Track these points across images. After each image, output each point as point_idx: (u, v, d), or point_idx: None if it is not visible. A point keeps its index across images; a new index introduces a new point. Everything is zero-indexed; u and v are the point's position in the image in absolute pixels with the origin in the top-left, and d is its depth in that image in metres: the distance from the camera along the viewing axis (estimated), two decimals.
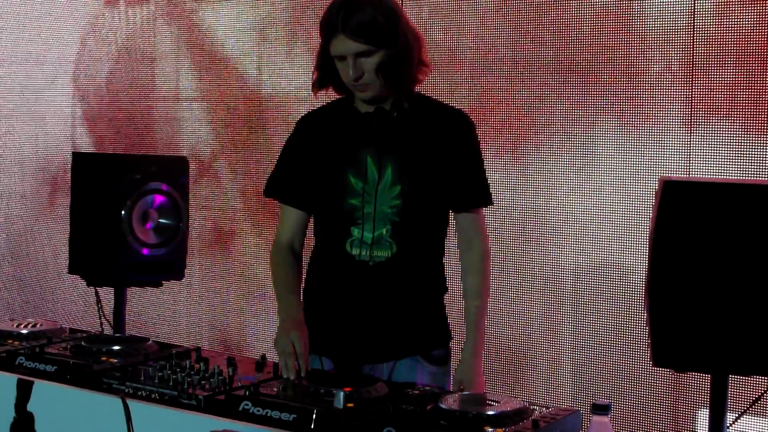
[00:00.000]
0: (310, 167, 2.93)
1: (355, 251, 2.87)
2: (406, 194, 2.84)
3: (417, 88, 2.93)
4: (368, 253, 2.86)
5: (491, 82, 4.47)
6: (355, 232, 2.87)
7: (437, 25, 4.58)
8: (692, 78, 4.01)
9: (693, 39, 3.99)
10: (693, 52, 4.00)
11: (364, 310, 2.89)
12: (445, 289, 3.02)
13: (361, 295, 2.89)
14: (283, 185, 2.99)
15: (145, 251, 3.86)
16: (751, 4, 3.86)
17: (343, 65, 2.77)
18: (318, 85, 2.90)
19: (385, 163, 2.85)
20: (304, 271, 3.03)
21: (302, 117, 3.02)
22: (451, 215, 2.98)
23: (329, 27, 2.75)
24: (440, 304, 3.01)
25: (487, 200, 2.97)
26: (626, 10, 4.17)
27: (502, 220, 4.41)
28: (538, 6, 4.35)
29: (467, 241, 2.95)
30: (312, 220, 3.02)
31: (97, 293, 4.06)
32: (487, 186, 2.96)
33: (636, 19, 4.15)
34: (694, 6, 3.98)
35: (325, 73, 2.87)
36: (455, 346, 2.99)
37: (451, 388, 2.85)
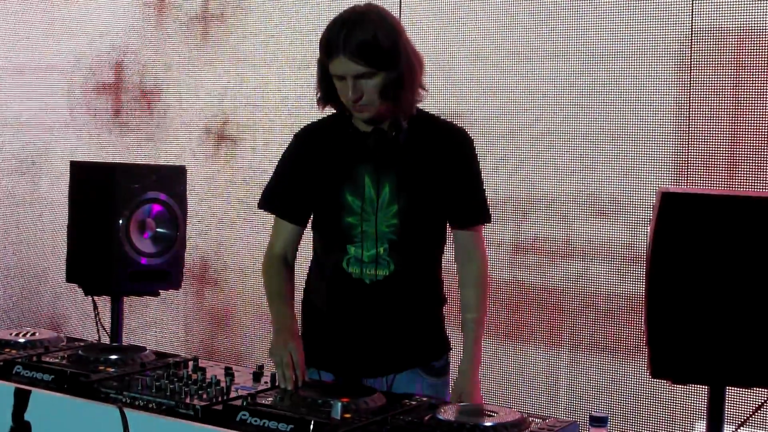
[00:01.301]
0: (307, 182, 2.92)
1: (351, 269, 2.87)
2: (403, 214, 2.83)
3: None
4: (365, 272, 2.86)
5: (487, 87, 4.47)
6: (352, 250, 2.86)
7: (435, 28, 4.59)
8: (691, 80, 4.01)
9: (691, 41, 4.00)
10: (691, 55, 4.00)
11: (362, 326, 2.89)
12: (444, 301, 3.02)
13: (358, 312, 2.89)
14: (278, 198, 2.98)
15: (142, 260, 3.85)
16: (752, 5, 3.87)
17: (343, 85, 2.74)
18: (322, 103, 2.88)
19: (383, 182, 2.84)
20: (301, 280, 3.03)
21: (300, 130, 3.01)
22: (449, 231, 2.97)
23: (330, 46, 2.71)
24: (439, 317, 3.00)
25: (486, 218, 2.95)
26: (626, 14, 4.17)
27: (500, 229, 4.41)
28: (537, 10, 4.35)
29: (466, 258, 2.94)
30: (309, 230, 3.02)
31: (94, 302, 4.05)
32: (486, 203, 2.95)
33: (636, 23, 4.16)
34: (692, 8, 3.99)
35: (326, 91, 2.84)
36: (455, 356, 2.98)
37: (450, 400, 2.85)
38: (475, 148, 2.94)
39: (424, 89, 2.85)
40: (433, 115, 2.96)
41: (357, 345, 2.90)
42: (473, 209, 2.93)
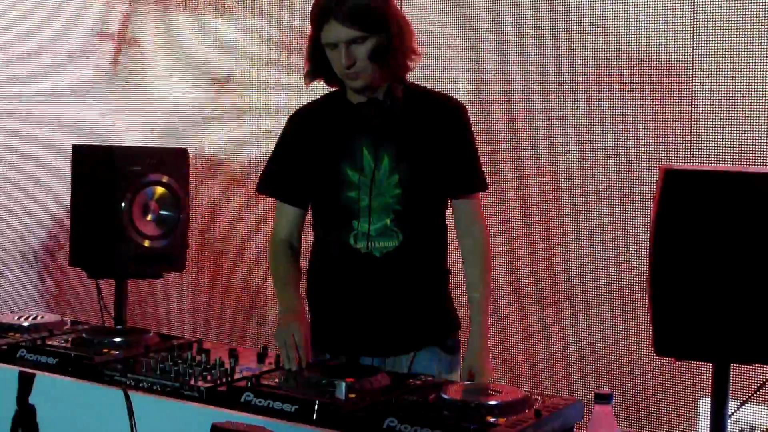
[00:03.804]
0: (305, 163, 2.92)
1: (360, 244, 2.86)
2: (405, 182, 2.84)
3: (410, 77, 2.93)
4: (374, 245, 2.85)
5: (489, 79, 4.46)
6: (357, 225, 2.86)
7: (437, 21, 4.57)
8: (693, 68, 4.00)
9: (693, 28, 3.98)
10: (693, 42, 3.99)
11: (378, 303, 2.88)
12: (450, 271, 3.02)
13: (372, 288, 2.88)
14: (277, 182, 2.98)
15: (145, 243, 3.85)
16: None
17: (335, 53, 2.75)
18: (310, 77, 2.89)
19: (381, 153, 2.84)
20: (305, 265, 3.03)
21: (294, 113, 3.01)
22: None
23: (321, 14, 2.73)
24: (447, 290, 3.01)
25: (483, 185, 2.97)
26: (625, 3, 4.15)
27: (504, 212, 4.40)
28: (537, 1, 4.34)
29: (466, 228, 2.95)
30: (310, 214, 3.01)
31: (98, 285, 4.05)
32: (482, 171, 2.96)
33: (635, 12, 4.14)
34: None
35: (316, 64, 2.85)
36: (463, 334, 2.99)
37: (461, 375, 2.85)
38: (469, 118, 2.95)
39: (417, 54, 2.87)
40: (426, 87, 2.98)
41: (376, 324, 2.89)
42: (469, 176, 2.93)
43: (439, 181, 2.90)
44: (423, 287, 2.93)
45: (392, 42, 2.76)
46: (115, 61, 5.34)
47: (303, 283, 3.00)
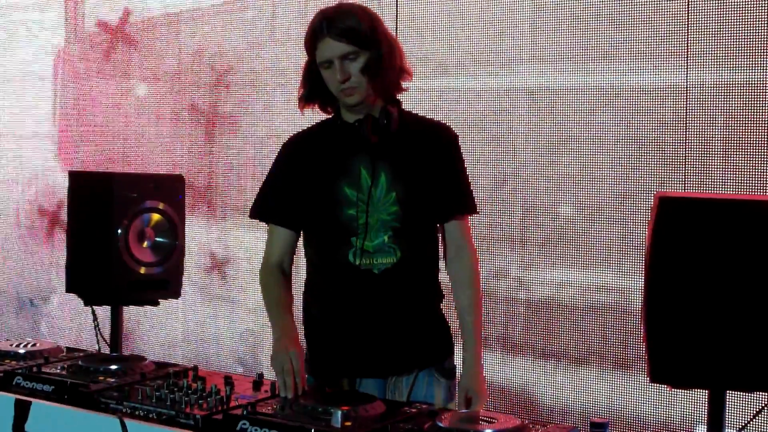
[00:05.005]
0: (301, 185, 2.93)
1: (359, 261, 2.87)
2: (402, 201, 2.87)
3: (402, 102, 2.97)
4: (372, 262, 2.87)
5: (484, 106, 4.48)
6: (356, 242, 2.87)
7: (432, 36, 4.60)
8: (688, 94, 4.01)
9: (688, 53, 4.00)
10: (687, 69, 4.01)
11: (378, 320, 2.90)
12: (442, 295, 3.04)
13: (371, 305, 2.89)
14: (271, 206, 2.99)
15: (141, 270, 3.85)
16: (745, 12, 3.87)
17: (330, 72, 2.82)
18: (305, 100, 2.95)
19: (378, 170, 2.87)
20: (300, 290, 3.04)
21: (288, 139, 3.04)
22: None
23: (314, 35, 2.82)
24: (441, 311, 3.03)
25: (473, 208, 3.00)
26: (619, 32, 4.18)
27: (496, 240, 4.41)
28: (535, 28, 4.36)
29: (456, 251, 2.97)
30: (303, 240, 3.02)
31: (94, 312, 4.05)
32: (472, 194, 3.00)
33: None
34: (688, 21, 3.99)
35: (312, 88, 2.92)
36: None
37: (457, 399, 2.86)
38: (459, 144, 3.00)
39: (408, 73, 2.94)
40: (418, 114, 3.03)
41: (375, 341, 2.90)
42: (459, 198, 2.97)
43: (432, 202, 2.93)
44: (420, 304, 2.95)
45: (383, 59, 2.83)
46: None
47: (297, 308, 3.00)
